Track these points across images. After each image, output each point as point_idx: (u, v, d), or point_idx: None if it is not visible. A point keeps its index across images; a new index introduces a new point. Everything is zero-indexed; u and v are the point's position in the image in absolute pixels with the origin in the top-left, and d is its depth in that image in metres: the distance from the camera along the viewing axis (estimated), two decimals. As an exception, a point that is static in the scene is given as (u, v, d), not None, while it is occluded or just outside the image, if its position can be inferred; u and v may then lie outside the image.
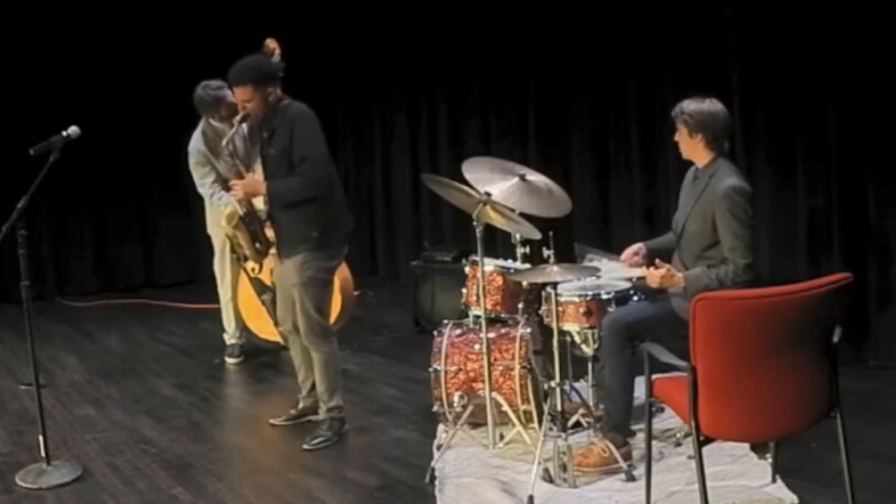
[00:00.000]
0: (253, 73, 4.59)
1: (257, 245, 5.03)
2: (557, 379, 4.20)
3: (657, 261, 4.22)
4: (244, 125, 4.84)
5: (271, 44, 4.91)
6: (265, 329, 6.34)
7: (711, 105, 4.23)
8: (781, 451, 3.99)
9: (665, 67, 6.34)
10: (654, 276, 4.18)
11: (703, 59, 6.05)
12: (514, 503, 3.97)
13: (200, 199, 6.36)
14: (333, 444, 4.79)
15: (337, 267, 4.87)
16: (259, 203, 4.95)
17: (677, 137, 4.33)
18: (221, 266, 6.44)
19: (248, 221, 4.99)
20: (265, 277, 5.45)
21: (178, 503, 4.22)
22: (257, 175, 4.89)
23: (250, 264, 5.13)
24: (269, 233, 4.95)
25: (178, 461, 4.69)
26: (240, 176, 4.96)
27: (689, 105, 4.24)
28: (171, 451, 4.84)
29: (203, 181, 6.04)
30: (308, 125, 4.64)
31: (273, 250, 4.92)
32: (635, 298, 4.53)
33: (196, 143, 6.02)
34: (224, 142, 4.95)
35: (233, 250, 5.41)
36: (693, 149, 4.29)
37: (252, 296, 5.94)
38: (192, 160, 6.06)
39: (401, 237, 8.95)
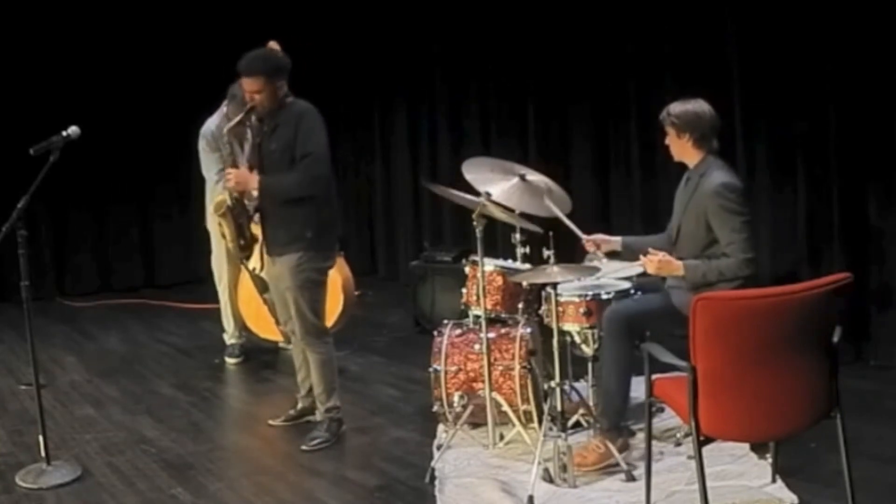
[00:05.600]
0: (266, 64, 4.59)
1: (241, 240, 4.96)
2: (557, 379, 4.20)
3: (650, 249, 4.25)
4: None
5: (274, 46, 4.90)
6: (266, 329, 6.32)
7: (697, 105, 4.30)
8: (781, 451, 3.99)
9: (665, 68, 6.34)
10: (651, 261, 4.23)
11: (703, 59, 6.05)
12: (514, 503, 3.97)
13: (200, 195, 6.35)
14: (331, 444, 4.79)
15: (330, 268, 4.85)
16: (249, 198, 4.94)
17: (668, 141, 4.40)
18: (219, 264, 6.42)
19: (237, 213, 4.93)
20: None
21: (178, 503, 4.22)
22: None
23: (252, 262, 5.12)
24: (256, 229, 4.90)
25: (178, 461, 4.69)
26: (235, 166, 4.95)
27: (675, 107, 4.32)
28: (171, 451, 4.84)
29: (209, 165, 6.09)
30: (314, 123, 4.62)
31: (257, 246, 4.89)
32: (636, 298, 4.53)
33: (211, 127, 6.04)
34: (225, 129, 5.02)
35: None
36: (682, 149, 4.36)
37: (253, 296, 5.92)
38: (202, 143, 6.11)
39: (401, 237, 8.94)
